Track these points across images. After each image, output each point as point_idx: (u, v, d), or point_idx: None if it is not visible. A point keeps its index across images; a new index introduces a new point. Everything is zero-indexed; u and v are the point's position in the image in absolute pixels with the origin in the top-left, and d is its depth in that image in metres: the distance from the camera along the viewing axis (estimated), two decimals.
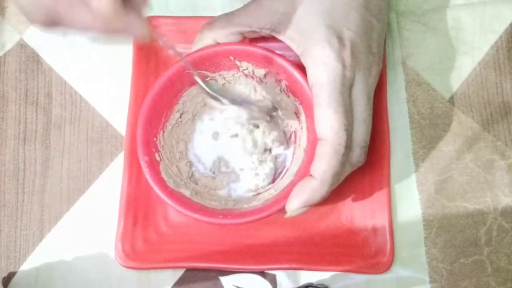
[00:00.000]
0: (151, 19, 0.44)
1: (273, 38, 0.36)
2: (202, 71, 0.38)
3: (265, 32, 0.36)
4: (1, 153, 0.44)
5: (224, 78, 0.39)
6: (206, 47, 0.37)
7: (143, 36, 0.28)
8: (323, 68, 0.33)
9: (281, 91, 0.38)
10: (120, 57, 0.44)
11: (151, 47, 0.44)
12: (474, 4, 0.44)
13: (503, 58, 0.43)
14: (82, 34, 0.26)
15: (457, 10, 0.44)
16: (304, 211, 0.33)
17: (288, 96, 0.38)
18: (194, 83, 0.39)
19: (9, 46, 0.46)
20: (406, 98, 0.43)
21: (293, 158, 0.40)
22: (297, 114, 0.38)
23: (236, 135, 0.41)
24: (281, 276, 0.40)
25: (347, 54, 0.33)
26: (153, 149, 0.37)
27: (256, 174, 0.40)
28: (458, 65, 0.43)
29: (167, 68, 0.37)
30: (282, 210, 0.34)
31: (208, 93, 0.38)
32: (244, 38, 0.37)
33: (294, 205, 0.33)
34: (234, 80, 0.40)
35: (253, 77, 0.39)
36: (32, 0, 0.24)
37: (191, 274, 0.41)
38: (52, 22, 0.25)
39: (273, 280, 0.40)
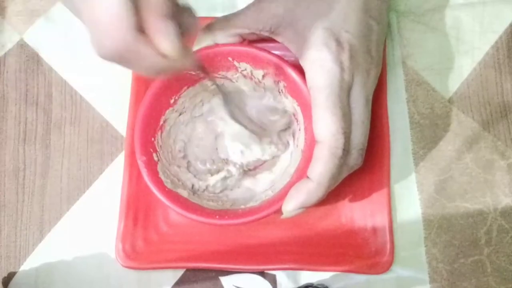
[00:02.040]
0: None
1: (272, 39, 0.36)
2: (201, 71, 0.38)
3: (264, 34, 0.36)
4: (1, 153, 0.44)
5: (225, 77, 0.39)
6: (205, 48, 0.37)
7: (194, 69, 0.29)
8: (321, 70, 0.33)
9: (279, 92, 0.38)
10: None
11: None
12: (474, 4, 0.44)
13: (503, 58, 0.43)
14: (143, 73, 0.27)
15: (457, 10, 0.44)
16: (300, 213, 0.33)
17: (286, 97, 0.38)
18: (192, 83, 0.39)
19: (9, 46, 0.46)
20: (406, 98, 0.43)
21: (291, 159, 0.40)
22: (295, 115, 0.38)
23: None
24: (281, 276, 0.40)
25: (345, 56, 0.33)
26: (151, 149, 0.37)
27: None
28: (458, 65, 0.43)
29: None
30: (279, 211, 0.34)
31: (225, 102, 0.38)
32: (244, 39, 0.37)
33: (290, 206, 0.33)
34: (235, 80, 0.40)
35: (251, 78, 0.39)
36: (104, 39, 0.25)
37: (191, 274, 0.41)
38: (119, 61, 0.26)
39: (273, 280, 0.40)
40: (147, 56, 0.25)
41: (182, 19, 0.27)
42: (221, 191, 0.39)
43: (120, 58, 0.26)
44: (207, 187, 0.39)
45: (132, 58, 0.26)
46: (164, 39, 0.25)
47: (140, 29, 0.25)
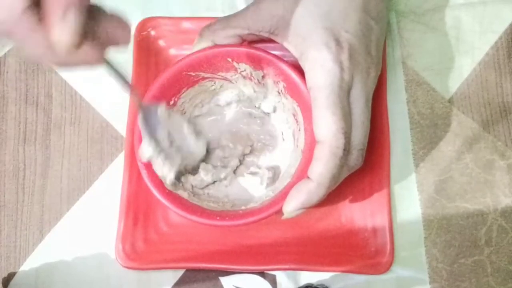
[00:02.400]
0: (151, 20, 0.44)
1: (271, 40, 0.36)
2: (201, 73, 0.38)
3: (263, 35, 0.36)
4: (1, 153, 0.44)
5: (225, 78, 0.39)
6: (204, 49, 0.37)
7: (98, 65, 0.26)
8: (321, 70, 0.32)
9: (279, 93, 0.38)
10: (120, 57, 0.44)
11: (151, 48, 0.44)
12: (474, 4, 0.44)
13: (503, 58, 0.43)
14: (37, 60, 0.25)
15: (457, 10, 0.44)
16: (301, 213, 0.33)
17: (286, 98, 0.38)
18: (192, 84, 0.39)
19: (9, 46, 0.46)
20: (406, 99, 0.43)
21: (291, 159, 0.40)
22: (295, 116, 0.38)
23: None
24: (281, 276, 0.40)
25: (345, 56, 0.33)
26: None
27: (258, 175, 0.40)
28: (458, 65, 0.43)
29: (166, 69, 0.37)
30: (279, 212, 0.34)
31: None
32: (243, 40, 0.37)
33: (290, 207, 0.33)
34: (234, 80, 0.40)
35: (251, 79, 0.39)
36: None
37: (191, 274, 0.41)
38: (5, 34, 0.23)
39: (273, 280, 0.40)
40: (34, 37, 0.23)
41: (108, 28, 0.24)
42: (213, 183, 0.40)
43: (5, 31, 0.23)
44: (201, 181, 0.39)
45: (17, 35, 0.23)
46: (57, 26, 0.22)
47: (39, 10, 0.22)
